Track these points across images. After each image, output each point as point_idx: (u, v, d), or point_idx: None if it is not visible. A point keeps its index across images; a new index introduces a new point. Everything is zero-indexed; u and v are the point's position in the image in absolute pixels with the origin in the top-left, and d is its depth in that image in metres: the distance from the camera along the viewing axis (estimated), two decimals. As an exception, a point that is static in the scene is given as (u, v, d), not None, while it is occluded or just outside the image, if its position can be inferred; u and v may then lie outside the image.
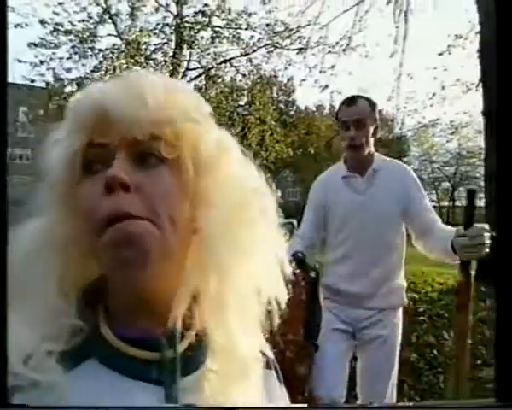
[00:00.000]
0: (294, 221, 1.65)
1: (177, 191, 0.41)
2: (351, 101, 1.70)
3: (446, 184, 32.57)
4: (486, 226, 1.35)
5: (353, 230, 1.65)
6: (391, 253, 1.69)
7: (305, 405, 0.69)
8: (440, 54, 7.32)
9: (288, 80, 12.95)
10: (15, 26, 7.73)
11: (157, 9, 8.54)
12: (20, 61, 8.41)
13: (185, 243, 0.42)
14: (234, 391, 0.42)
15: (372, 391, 1.67)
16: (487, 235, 1.33)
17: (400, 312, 1.71)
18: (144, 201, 0.39)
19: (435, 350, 2.85)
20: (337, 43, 8.44)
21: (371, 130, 1.69)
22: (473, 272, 1.39)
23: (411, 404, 1.90)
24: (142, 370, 0.40)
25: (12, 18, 7.61)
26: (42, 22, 8.06)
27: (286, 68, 9.77)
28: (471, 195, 1.37)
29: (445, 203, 32.50)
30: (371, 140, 1.70)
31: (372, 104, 1.72)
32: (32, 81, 9.04)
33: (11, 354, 0.39)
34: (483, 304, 3.52)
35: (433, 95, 9.14)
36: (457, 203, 31.80)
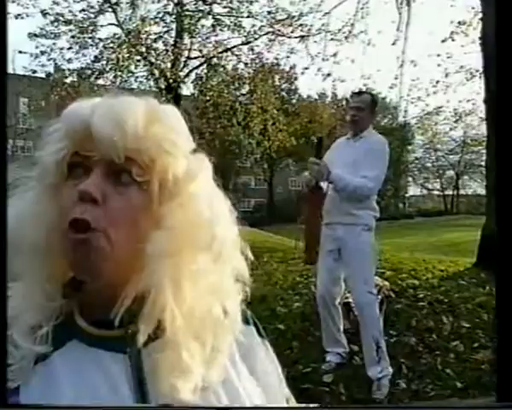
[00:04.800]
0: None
1: (140, 210, 0.48)
2: (358, 92, 2.80)
3: (451, 173, 32.42)
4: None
5: (340, 163, 2.50)
6: (360, 200, 2.50)
7: (306, 405, 0.72)
8: (443, 41, 7.23)
9: (291, 68, 12.83)
10: (16, 17, 7.70)
11: (158, 0, 8.47)
12: (20, 52, 8.41)
13: (137, 253, 0.48)
14: (193, 350, 0.49)
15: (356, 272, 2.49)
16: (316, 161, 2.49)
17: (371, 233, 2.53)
18: (107, 214, 0.46)
19: (434, 334, 2.89)
20: (339, 30, 8.35)
21: (367, 113, 2.62)
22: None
23: (411, 404, 1.97)
24: (111, 344, 0.49)
25: (12, 9, 7.58)
26: (42, 12, 8.02)
27: (288, 57, 9.69)
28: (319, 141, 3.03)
29: (449, 192, 32.41)
30: (365, 119, 2.61)
31: (373, 99, 2.71)
32: (33, 72, 9.04)
33: (13, 328, 0.48)
34: (482, 290, 3.56)
35: (437, 82, 9.04)
36: (462, 192, 31.72)
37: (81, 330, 0.51)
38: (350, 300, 3.14)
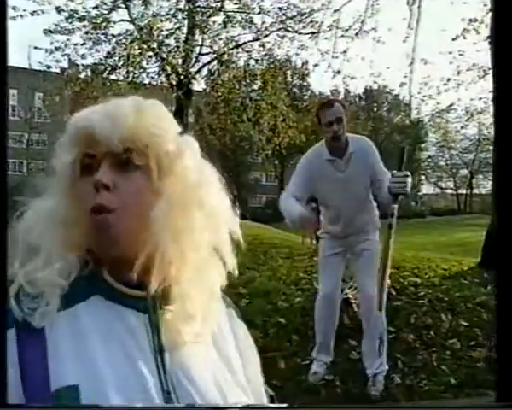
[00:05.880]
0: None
1: (144, 189, 0.58)
2: (330, 103, 2.43)
3: (464, 171, 31.92)
4: (408, 173, 2.19)
5: (340, 199, 2.40)
6: (366, 207, 2.52)
7: (306, 405, 0.78)
8: (454, 39, 7.14)
9: (303, 64, 12.82)
10: (32, 14, 7.85)
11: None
12: (36, 48, 8.59)
13: (143, 224, 0.57)
14: (201, 315, 0.60)
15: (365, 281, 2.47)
16: (409, 178, 2.17)
17: (377, 234, 2.54)
18: (118, 198, 0.56)
19: (432, 331, 2.93)
20: (350, 27, 8.31)
21: (345, 122, 2.37)
22: (396, 206, 2.21)
23: (411, 404, 2.01)
24: (133, 302, 0.58)
25: (28, 6, 7.74)
26: (57, 9, 8.17)
27: (297, 54, 9.68)
28: (402, 150, 2.30)
29: (463, 191, 31.93)
30: (345, 129, 2.38)
31: (343, 105, 2.46)
32: (48, 67, 9.20)
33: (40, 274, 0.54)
34: (483, 289, 3.57)
35: (448, 80, 8.94)
36: (475, 191, 31.23)
37: (108, 286, 0.58)
38: (350, 296, 3.19)
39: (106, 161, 0.57)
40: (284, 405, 0.67)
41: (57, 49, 8.57)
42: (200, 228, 0.60)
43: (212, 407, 0.56)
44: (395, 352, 2.73)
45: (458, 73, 8.64)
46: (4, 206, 0.57)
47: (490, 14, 4.80)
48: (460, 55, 8.32)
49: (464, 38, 7.06)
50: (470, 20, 6.81)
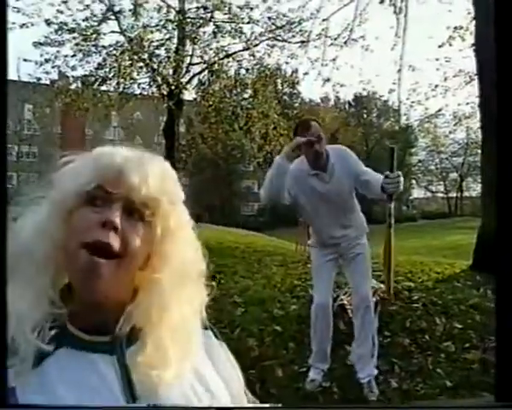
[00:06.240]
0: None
1: (145, 242, 0.59)
2: (307, 124, 2.47)
3: (454, 175, 32.29)
4: (400, 173, 2.33)
5: (328, 208, 2.48)
6: (353, 213, 2.60)
7: (306, 405, 0.77)
8: (440, 46, 7.30)
9: (293, 73, 12.93)
10: (21, 26, 7.85)
11: (159, 10, 8.60)
12: (25, 60, 8.55)
13: (135, 276, 0.60)
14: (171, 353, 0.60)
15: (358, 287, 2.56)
16: (401, 177, 2.31)
17: (365, 237, 2.62)
18: (123, 241, 0.57)
19: (427, 335, 2.95)
20: (339, 35, 8.43)
21: (324, 137, 2.46)
22: (392, 204, 2.42)
23: (411, 405, 2.02)
24: (99, 347, 0.57)
25: (18, 18, 7.73)
26: (46, 22, 8.17)
27: (287, 63, 9.78)
28: (392, 150, 2.44)
29: (453, 194, 32.24)
30: (325, 144, 2.46)
31: (318, 122, 2.55)
32: (38, 79, 9.17)
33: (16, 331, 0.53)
34: (476, 291, 3.61)
35: (436, 86, 9.11)
36: (466, 194, 31.55)
37: (72, 336, 0.57)
38: (345, 302, 3.21)
39: (119, 203, 0.58)
40: (288, 405, 0.68)
41: (47, 61, 8.57)
42: (191, 296, 0.64)
43: (212, 407, 0.58)
44: (391, 356, 2.74)
45: (445, 79, 8.83)
46: (4, 207, 0.57)
47: (474, 21, 4.92)
48: (446, 61, 8.50)
49: (450, 45, 7.23)
50: (455, 27, 6.97)
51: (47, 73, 8.78)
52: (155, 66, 9.04)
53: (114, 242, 0.55)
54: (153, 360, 0.57)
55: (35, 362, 0.54)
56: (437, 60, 8.67)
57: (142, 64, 9.01)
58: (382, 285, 3.54)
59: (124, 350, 0.58)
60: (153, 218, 0.60)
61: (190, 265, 0.64)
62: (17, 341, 0.53)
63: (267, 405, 0.71)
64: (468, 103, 9.95)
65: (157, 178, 0.60)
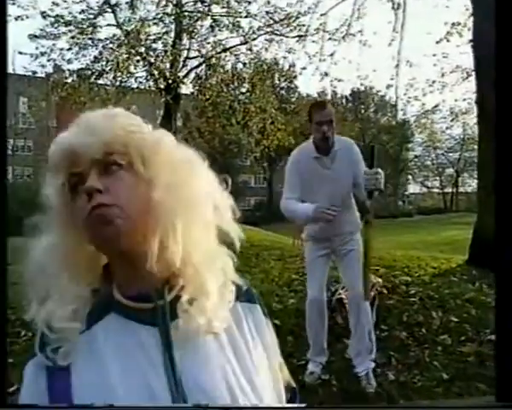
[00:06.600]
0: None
1: (133, 185, 0.60)
2: (322, 104, 2.58)
3: (450, 170, 32.41)
4: (380, 170, 2.28)
5: (325, 194, 2.43)
6: (349, 206, 2.58)
7: (305, 405, 0.74)
8: (438, 41, 7.31)
9: (290, 67, 12.89)
10: (16, 19, 7.77)
11: (158, 3, 8.54)
12: (20, 53, 8.46)
13: (145, 214, 0.60)
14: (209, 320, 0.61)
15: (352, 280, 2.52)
16: (381, 175, 2.27)
17: (359, 233, 2.56)
18: (112, 196, 0.58)
19: (423, 328, 2.99)
20: (337, 30, 8.41)
21: (334, 124, 2.48)
22: (370, 202, 2.32)
23: (412, 404, 2.05)
24: (144, 316, 0.60)
25: (13, 11, 7.65)
26: (42, 14, 8.09)
27: (285, 57, 9.76)
28: (372, 149, 2.39)
29: (449, 190, 32.39)
30: (334, 131, 2.49)
31: (332, 107, 2.58)
32: (33, 72, 9.09)
33: (54, 317, 0.58)
34: (472, 286, 3.65)
35: (433, 82, 9.13)
36: (461, 189, 31.71)
37: (118, 303, 0.61)
38: (343, 296, 3.23)
39: (92, 171, 0.59)
40: (284, 405, 0.67)
41: (43, 54, 8.49)
42: (199, 202, 0.62)
43: (212, 407, 0.57)
44: (388, 349, 2.78)
45: (442, 74, 8.86)
46: (4, 209, 0.58)
47: (472, 18, 4.93)
48: (444, 57, 8.53)
49: (448, 40, 7.24)
50: (453, 23, 6.99)
51: (42, 66, 8.70)
52: (152, 59, 8.99)
53: (104, 199, 0.57)
54: (190, 310, 0.59)
55: (86, 327, 0.59)
56: (434, 55, 8.72)
57: (138, 58, 8.96)
58: (380, 280, 3.58)
59: (167, 322, 0.59)
60: (127, 158, 0.60)
61: (181, 167, 0.62)
62: (58, 326, 0.57)
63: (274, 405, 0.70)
64: (464, 99, 10.04)
65: (102, 124, 0.60)
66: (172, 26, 8.93)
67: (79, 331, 0.58)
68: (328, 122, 2.43)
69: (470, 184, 30.39)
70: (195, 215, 0.62)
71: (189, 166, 0.64)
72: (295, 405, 0.74)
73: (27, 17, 8.01)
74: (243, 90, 10.49)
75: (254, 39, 9.17)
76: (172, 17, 8.77)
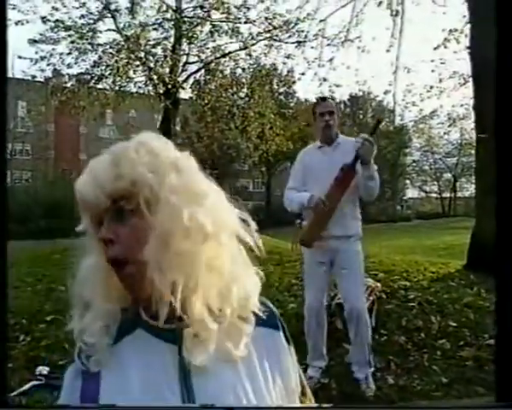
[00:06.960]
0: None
1: (141, 230, 0.61)
2: (324, 99, 2.78)
3: (448, 175, 32.52)
4: (373, 140, 2.44)
5: (325, 181, 2.50)
6: (350, 204, 2.60)
7: (305, 405, 0.72)
8: (436, 48, 7.37)
9: (289, 72, 12.97)
10: (16, 23, 7.80)
11: (158, 9, 8.59)
12: (20, 58, 8.49)
13: (157, 261, 0.61)
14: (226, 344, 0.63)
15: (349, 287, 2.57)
16: (373, 142, 2.42)
17: (359, 244, 2.60)
18: (123, 247, 0.61)
19: (422, 333, 3.00)
20: (335, 36, 8.48)
21: (337, 118, 2.68)
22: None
23: (413, 405, 2.05)
24: (165, 334, 0.63)
25: (13, 15, 7.69)
26: (42, 19, 8.13)
27: (284, 63, 9.82)
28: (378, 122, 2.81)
29: (447, 194, 32.47)
30: (336, 124, 2.68)
31: (334, 102, 2.85)
32: (33, 77, 9.12)
33: (90, 331, 0.63)
34: (470, 290, 3.66)
35: (431, 87, 9.20)
36: (459, 194, 31.82)
37: (144, 321, 0.64)
38: (342, 301, 3.24)
39: (106, 217, 0.62)
40: (285, 405, 0.67)
41: (42, 58, 8.52)
42: (211, 255, 0.62)
43: (212, 407, 0.58)
44: (388, 354, 2.79)
45: (440, 80, 8.92)
46: (5, 212, 0.59)
47: (469, 24, 4.98)
48: (441, 63, 8.59)
49: (445, 47, 7.30)
50: (451, 30, 7.05)
51: (42, 70, 8.74)
52: (152, 64, 9.04)
53: (116, 252, 0.61)
54: (204, 339, 0.61)
55: (116, 339, 0.64)
56: (432, 61, 8.77)
57: (138, 63, 9.00)
58: (379, 284, 3.59)
59: (184, 340, 0.61)
60: (135, 203, 0.60)
61: (177, 212, 0.61)
62: (91, 340, 0.63)
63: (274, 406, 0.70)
64: (462, 105, 10.10)
65: (108, 171, 0.60)
66: (172, 32, 8.99)
67: (108, 344, 0.64)
68: (330, 112, 2.61)
69: (468, 188, 30.47)
70: (209, 250, 0.62)
71: (202, 203, 0.63)
72: (296, 405, 0.72)
73: (27, 22, 8.05)
74: (242, 95, 10.55)
75: (253, 45, 9.24)
76: (172, 22, 8.83)
